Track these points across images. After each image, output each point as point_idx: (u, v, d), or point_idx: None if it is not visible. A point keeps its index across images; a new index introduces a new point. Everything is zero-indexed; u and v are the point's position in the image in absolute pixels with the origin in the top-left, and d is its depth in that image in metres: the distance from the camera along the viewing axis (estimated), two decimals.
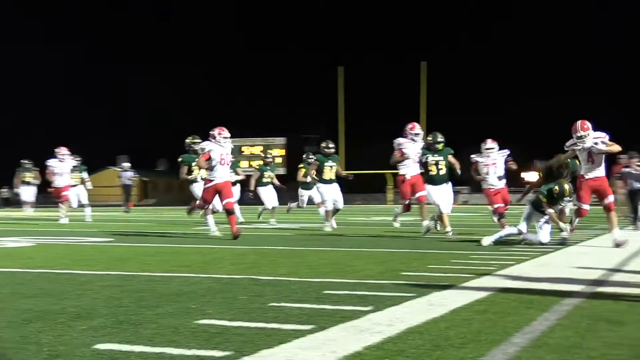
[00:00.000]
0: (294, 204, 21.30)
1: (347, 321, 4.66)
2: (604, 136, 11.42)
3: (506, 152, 14.53)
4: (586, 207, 11.90)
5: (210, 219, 14.58)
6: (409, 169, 14.69)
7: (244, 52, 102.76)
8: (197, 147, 14.74)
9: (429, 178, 14.45)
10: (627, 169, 17.76)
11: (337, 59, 64.46)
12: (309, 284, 6.73)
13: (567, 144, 11.69)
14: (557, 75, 75.22)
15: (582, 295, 5.90)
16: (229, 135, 13.77)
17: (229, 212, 13.58)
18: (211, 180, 13.68)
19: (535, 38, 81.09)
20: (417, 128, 14.81)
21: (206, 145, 13.70)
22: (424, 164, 14.57)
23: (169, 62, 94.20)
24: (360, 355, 3.77)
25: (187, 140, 15.60)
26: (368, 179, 56.92)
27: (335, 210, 17.03)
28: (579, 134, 11.35)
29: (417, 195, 14.69)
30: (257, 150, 67.50)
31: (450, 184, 14.65)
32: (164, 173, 79.32)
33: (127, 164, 33.78)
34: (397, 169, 15.05)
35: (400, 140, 14.75)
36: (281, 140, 71.25)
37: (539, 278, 7.10)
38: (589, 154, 11.45)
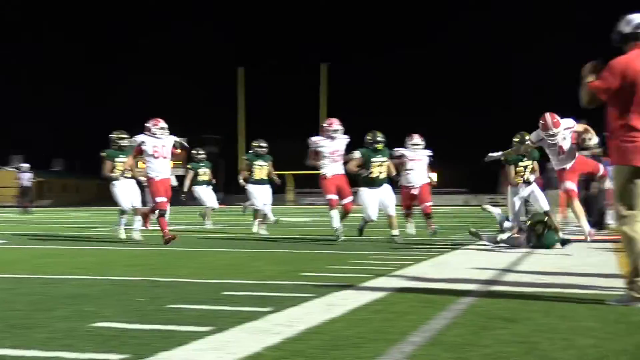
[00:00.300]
0: (248, 203, 18.60)
1: (246, 322, 4.64)
2: (572, 126, 11.11)
3: (429, 152, 14.36)
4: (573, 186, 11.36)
5: (123, 220, 13.77)
6: (330, 168, 13.18)
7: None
8: (123, 143, 13.75)
9: (368, 180, 13.01)
10: None
11: (238, 60, 64.19)
12: (207, 285, 6.69)
13: (533, 139, 11.25)
14: (465, 79, 76.68)
15: (477, 294, 6.03)
16: (166, 126, 12.64)
17: (160, 213, 12.36)
18: (151, 177, 12.48)
19: (438, 41, 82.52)
20: (335, 124, 13.42)
21: (139, 137, 12.62)
22: (366, 166, 12.98)
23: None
24: (260, 356, 3.76)
25: (111, 135, 14.09)
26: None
27: (264, 215, 16.04)
28: (551, 132, 10.90)
29: (344, 202, 13.29)
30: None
31: (389, 185, 13.35)
32: (59, 173, 77.43)
33: (25, 165, 32.93)
34: (317, 169, 13.60)
35: (315, 139, 13.51)
36: (183, 140, 70.74)
37: (436, 278, 7.22)
38: (560, 147, 11.12)
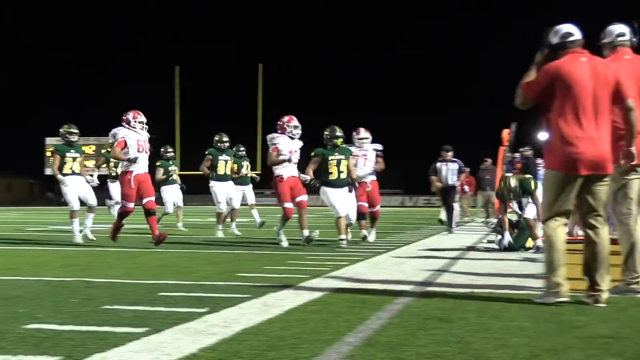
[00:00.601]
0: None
1: (182, 323, 4.62)
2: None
3: (379, 146, 13.45)
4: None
5: (76, 222, 12.67)
6: (286, 169, 11.96)
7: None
8: (73, 138, 12.87)
9: (327, 181, 12.05)
10: (440, 164, 16.23)
11: (175, 59, 63.56)
12: (143, 286, 6.63)
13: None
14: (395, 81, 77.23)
15: (412, 295, 6.09)
16: (145, 120, 11.81)
17: (149, 212, 11.58)
18: (129, 172, 11.50)
19: (374, 39, 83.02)
20: (295, 120, 12.24)
21: (119, 131, 11.66)
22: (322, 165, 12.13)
23: None
24: (196, 357, 3.75)
25: (61, 130, 13.05)
26: (205, 180, 56.44)
27: (232, 210, 15.34)
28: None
29: (297, 199, 11.91)
30: (90, 150, 65.77)
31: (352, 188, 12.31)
32: None
33: None
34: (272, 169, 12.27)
35: (274, 135, 12.19)
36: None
37: (372, 279, 7.27)
38: None
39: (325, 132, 12.27)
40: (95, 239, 12.56)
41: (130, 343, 4.03)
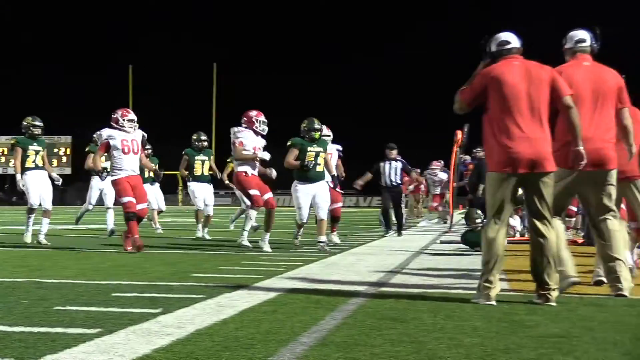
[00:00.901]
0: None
1: (135, 324, 4.58)
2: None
3: (339, 147, 13.24)
4: None
5: (31, 220, 12.18)
6: (249, 166, 11.43)
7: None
8: (36, 131, 12.10)
9: (302, 174, 11.43)
10: (383, 163, 15.49)
11: (129, 58, 62.98)
12: (96, 286, 6.57)
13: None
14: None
15: (366, 295, 6.12)
16: (135, 118, 10.95)
17: (138, 218, 10.78)
18: (117, 177, 10.70)
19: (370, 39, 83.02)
20: (263, 116, 11.70)
21: (103, 131, 10.87)
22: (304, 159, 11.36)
23: None
24: (149, 358, 3.72)
25: (24, 122, 12.23)
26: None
27: (206, 216, 14.42)
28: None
29: (265, 197, 11.35)
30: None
31: (326, 183, 11.77)
32: None
33: None
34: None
35: (240, 128, 11.60)
36: (67, 139, 68.92)
37: (326, 279, 7.29)
38: None
39: (303, 125, 11.61)
40: (49, 243, 11.81)
41: (83, 344, 3.99)
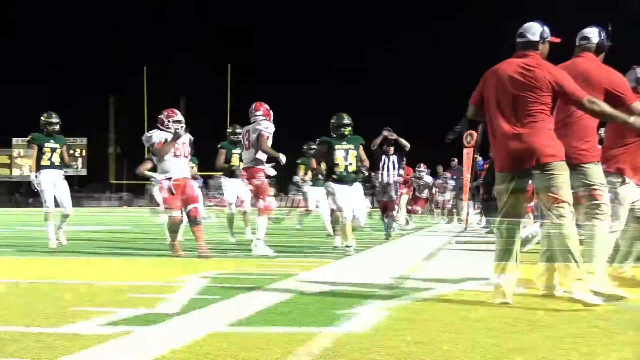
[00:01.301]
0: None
1: (151, 324, 4.59)
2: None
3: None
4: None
5: (51, 225, 11.57)
6: (267, 165, 10.66)
7: None
8: (54, 128, 11.72)
9: (333, 175, 10.80)
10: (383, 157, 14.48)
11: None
12: (112, 287, 6.58)
13: None
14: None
15: (381, 296, 6.09)
16: (182, 119, 10.35)
17: (194, 221, 10.24)
18: (165, 179, 10.23)
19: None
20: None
21: (153, 133, 10.31)
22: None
23: None
24: (165, 358, 3.73)
25: (41, 119, 11.75)
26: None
27: (243, 213, 13.53)
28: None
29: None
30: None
31: (360, 184, 11.05)
32: None
33: None
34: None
35: (268, 123, 10.52)
36: (82, 140, 69.26)
37: (341, 281, 7.26)
38: None
39: (332, 121, 11.04)
40: (66, 244, 11.66)
41: (99, 345, 4.00)
